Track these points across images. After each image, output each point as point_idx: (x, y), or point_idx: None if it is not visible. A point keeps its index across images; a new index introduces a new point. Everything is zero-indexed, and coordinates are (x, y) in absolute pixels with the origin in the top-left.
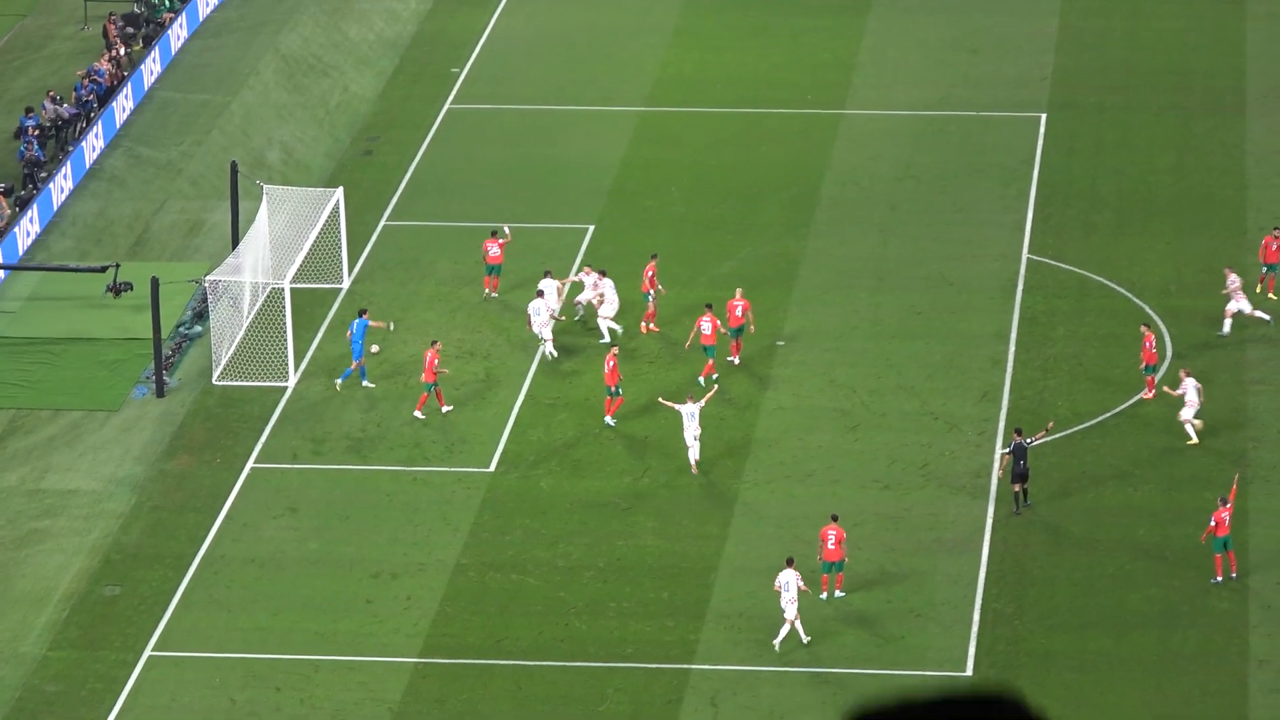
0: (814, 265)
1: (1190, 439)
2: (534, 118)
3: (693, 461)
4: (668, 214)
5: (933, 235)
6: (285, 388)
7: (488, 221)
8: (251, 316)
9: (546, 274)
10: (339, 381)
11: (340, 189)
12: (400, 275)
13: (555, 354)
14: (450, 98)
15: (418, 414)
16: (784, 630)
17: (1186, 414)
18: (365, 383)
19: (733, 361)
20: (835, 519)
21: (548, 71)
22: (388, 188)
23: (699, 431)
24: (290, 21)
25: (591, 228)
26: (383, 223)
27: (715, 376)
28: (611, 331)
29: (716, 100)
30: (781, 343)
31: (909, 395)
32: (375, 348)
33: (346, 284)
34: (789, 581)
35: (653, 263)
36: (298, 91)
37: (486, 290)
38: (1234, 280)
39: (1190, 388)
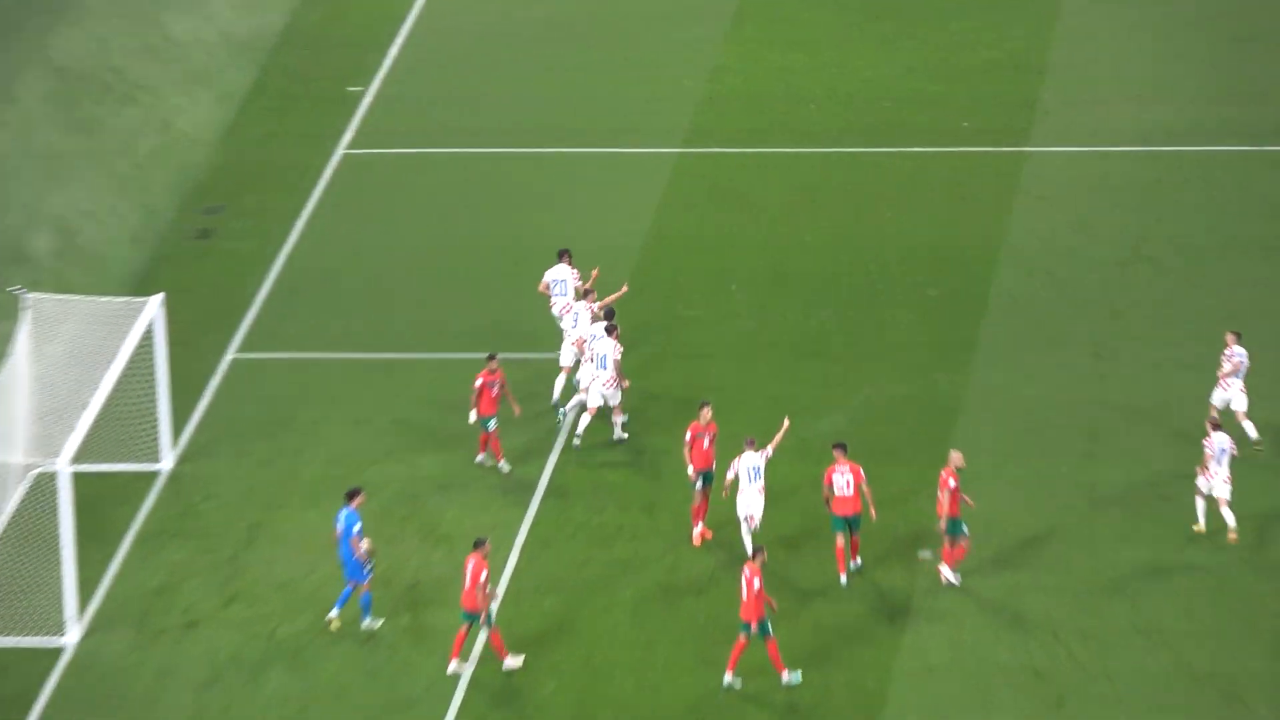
0: None
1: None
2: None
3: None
4: None
5: None
6: (62, 647)
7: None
8: (8, 516)
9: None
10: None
11: (159, 296)
12: (259, 447)
13: (625, 434)
14: (346, 136)
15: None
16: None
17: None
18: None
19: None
20: None
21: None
22: (241, 293)
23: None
24: (69, 12)
25: None
26: (229, 356)
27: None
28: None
29: None
30: (926, 554)
31: None
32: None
33: (167, 464)
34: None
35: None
36: (81, 131)
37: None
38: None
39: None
